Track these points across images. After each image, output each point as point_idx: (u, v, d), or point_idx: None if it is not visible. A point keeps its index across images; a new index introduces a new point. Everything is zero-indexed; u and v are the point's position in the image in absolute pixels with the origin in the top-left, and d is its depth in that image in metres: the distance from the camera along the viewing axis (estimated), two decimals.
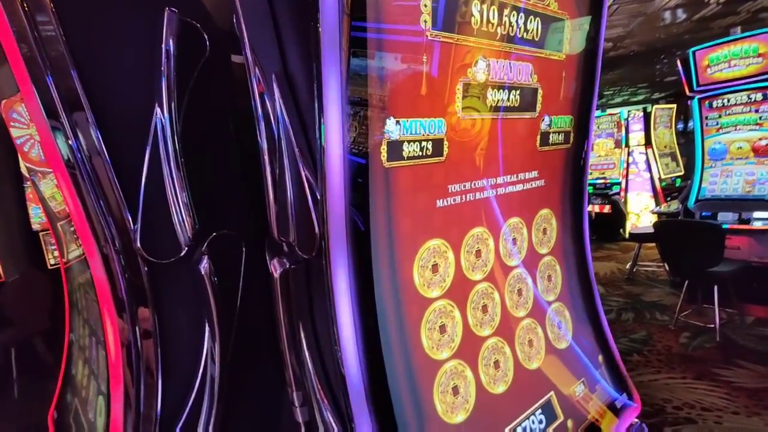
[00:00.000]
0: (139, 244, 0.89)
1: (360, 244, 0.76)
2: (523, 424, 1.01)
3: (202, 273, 0.95)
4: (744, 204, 4.00)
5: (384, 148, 0.77)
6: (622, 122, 6.85)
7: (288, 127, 0.82)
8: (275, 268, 0.90)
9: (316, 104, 0.71)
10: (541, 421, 1.05)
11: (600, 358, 1.27)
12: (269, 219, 0.89)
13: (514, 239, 1.10)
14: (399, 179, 0.81)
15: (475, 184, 0.97)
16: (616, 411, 1.22)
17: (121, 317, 0.93)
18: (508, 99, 0.99)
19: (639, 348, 3.50)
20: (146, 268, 0.91)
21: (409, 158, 0.82)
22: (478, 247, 1.00)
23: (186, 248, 0.93)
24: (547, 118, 1.11)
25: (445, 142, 0.88)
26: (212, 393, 0.98)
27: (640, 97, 10.33)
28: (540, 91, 1.07)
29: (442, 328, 0.91)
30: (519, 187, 1.09)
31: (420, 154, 0.84)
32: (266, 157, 0.85)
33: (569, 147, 1.22)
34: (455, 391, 0.91)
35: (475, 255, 0.99)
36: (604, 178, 6.98)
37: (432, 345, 0.89)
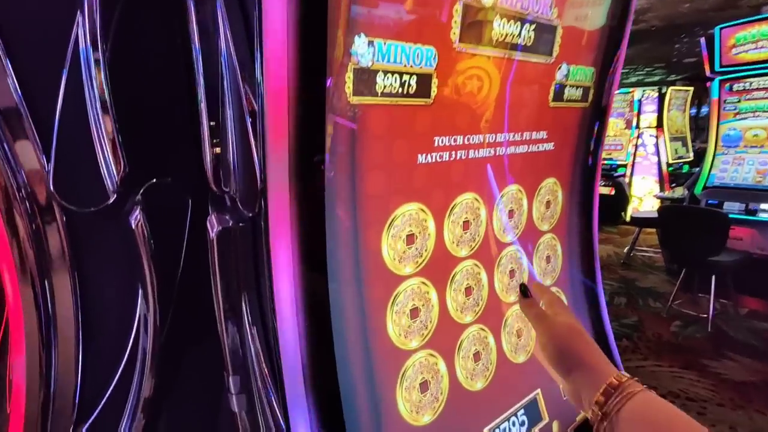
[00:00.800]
0: (52, 188, 0.71)
1: (310, 200, 0.58)
2: (502, 426, 0.87)
3: (133, 226, 0.78)
4: (753, 194, 3.83)
5: (350, 77, 0.58)
6: (635, 108, 6.56)
7: (229, 42, 0.63)
8: (212, 226, 0.73)
9: (256, 6, 0.52)
10: (522, 423, 0.91)
11: None
12: (205, 163, 0.71)
13: (511, 211, 0.92)
14: (369, 121, 0.63)
15: (469, 139, 0.78)
16: None
17: (27, 276, 0.75)
18: (520, 35, 0.79)
19: (629, 333, 3.42)
20: (64, 218, 0.74)
21: (384, 95, 0.63)
22: (467, 218, 0.82)
23: (114, 195, 0.75)
24: (564, 67, 0.91)
25: (434, 80, 0.69)
26: (143, 369, 0.83)
27: (656, 78, 9.94)
28: (559, 31, 0.86)
29: (414, 312, 0.75)
30: (523, 149, 0.90)
31: (400, 91, 0.65)
32: (201, 79, 0.67)
33: (587, 107, 1.02)
34: (424, 387, 0.76)
35: (462, 227, 0.82)
36: (611, 158, 6.76)
37: (400, 332, 0.73)
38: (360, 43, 0.58)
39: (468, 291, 0.85)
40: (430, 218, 0.76)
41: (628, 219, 6.08)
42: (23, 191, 0.71)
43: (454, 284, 0.82)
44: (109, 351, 0.81)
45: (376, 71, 0.61)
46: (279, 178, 0.55)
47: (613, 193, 6.35)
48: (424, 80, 0.67)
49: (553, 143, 0.97)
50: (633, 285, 4.40)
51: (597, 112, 1.05)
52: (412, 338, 0.75)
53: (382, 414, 0.70)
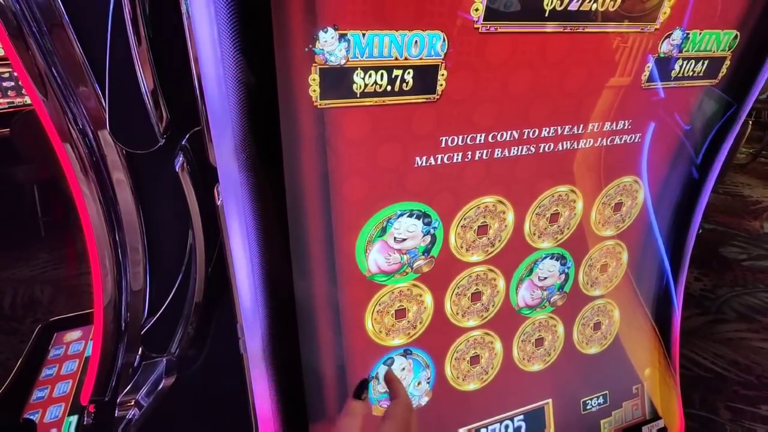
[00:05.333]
0: (109, 131, 0.81)
1: (268, 200, 0.56)
2: (491, 427, 0.85)
3: (177, 169, 0.86)
4: None
5: (314, 79, 0.50)
6: None
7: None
8: (219, 195, 0.76)
9: None
10: (518, 428, 0.87)
11: (643, 385, 0.98)
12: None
13: (556, 214, 0.77)
14: (344, 125, 0.54)
15: (497, 136, 0.64)
16: None
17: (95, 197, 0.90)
18: None
19: None
20: (124, 151, 0.85)
21: (365, 95, 0.53)
22: (484, 221, 0.71)
23: (162, 140, 0.83)
24: (678, 33, 0.64)
25: (442, 72, 0.55)
26: (194, 288, 0.98)
27: None
28: None
29: (400, 313, 0.72)
30: (585, 143, 0.71)
31: (389, 89, 0.54)
32: None
33: (714, 83, 0.73)
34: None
35: (477, 231, 0.71)
36: None
37: (380, 329, 0.72)
38: (326, 39, 0.48)
39: (476, 296, 0.77)
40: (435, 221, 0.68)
41: None
42: (86, 126, 0.81)
43: (458, 289, 0.75)
44: (168, 267, 0.96)
45: (353, 69, 0.51)
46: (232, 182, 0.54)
47: None
48: (425, 73, 0.54)
49: (639, 134, 0.74)
50: None
51: (732, 94, 0.74)
52: (395, 336, 0.74)
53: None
